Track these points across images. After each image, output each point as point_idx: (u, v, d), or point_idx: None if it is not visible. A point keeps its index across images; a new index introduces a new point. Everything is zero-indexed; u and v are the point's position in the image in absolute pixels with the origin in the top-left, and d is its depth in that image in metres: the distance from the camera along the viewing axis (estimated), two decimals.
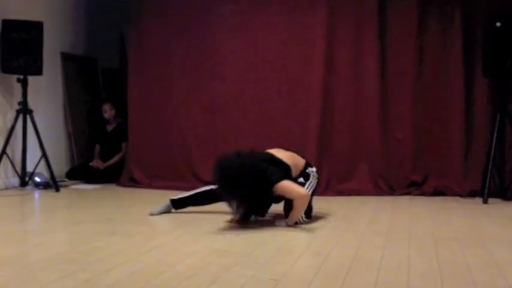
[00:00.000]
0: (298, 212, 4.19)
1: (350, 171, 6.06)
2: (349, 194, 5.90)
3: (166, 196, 4.79)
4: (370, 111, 6.06)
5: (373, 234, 3.99)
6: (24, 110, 5.83)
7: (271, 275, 2.92)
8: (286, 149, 4.59)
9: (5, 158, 5.69)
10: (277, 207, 4.46)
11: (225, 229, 4.11)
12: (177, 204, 4.63)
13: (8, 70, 5.80)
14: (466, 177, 5.93)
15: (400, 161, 6.05)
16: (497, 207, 5.28)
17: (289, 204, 4.23)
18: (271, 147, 6.11)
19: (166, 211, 4.60)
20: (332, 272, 2.99)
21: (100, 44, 7.40)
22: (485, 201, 5.45)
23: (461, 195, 5.80)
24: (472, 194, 5.79)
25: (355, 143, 6.08)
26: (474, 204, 5.44)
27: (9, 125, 5.84)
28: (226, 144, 6.24)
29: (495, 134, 5.59)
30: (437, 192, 5.90)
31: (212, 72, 6.31)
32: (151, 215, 4.52)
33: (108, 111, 6.93)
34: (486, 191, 5.48)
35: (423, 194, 5.91)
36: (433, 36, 6.02)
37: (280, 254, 3.38)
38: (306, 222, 4.25)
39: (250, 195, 4.04)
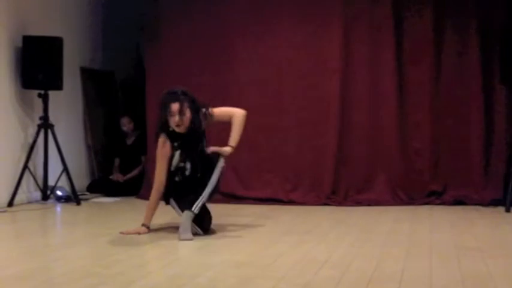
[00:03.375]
0: (240, 129, 4.37)
1: (369, 182, 6.03)
2: (368, 205, 5.87)
3: None
4: (388, 121, 6.04)
5: (393, 245, 3.96)
6: (45, 125, 5.89)
7: (291, 286, 2.91)
8: None
9: (27, 172, 5.75)
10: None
11: (244, 241, 4.11)
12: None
13: (29, 86, 5.87)
14: (487, 186, 5.88)
15: (419, 170, 6.01)
16: None
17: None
18: (288, 157, 6.17)
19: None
20: (353, 283, 2.98)
21: (117, 56, 7.47)
22: (507, 210, 5.39)
23: (482, 204, 5.75)
24: (494, 203, 5.73)
25: (373, 153, 6.06)
26: (496, 213, 5.39)
27: (30, 140, 5.91)
28: (243, 154, 6.23)
29: None
30: (458, 202, 5.85)
31: (230, 82, 6.33)
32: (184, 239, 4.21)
33: (126, 124, 6.97)
34: (508, 199, 5.42)
35: (443, 203, 5.86)
36: (450, 44, 6.00)
37: (300, 266, 3.37)
38: (203, 235, 4.20)
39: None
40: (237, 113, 4.44)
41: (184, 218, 4.12)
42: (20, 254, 3.78)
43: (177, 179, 4.32)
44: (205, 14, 6.39)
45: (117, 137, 7.15)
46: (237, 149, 4.39)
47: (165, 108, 4.28)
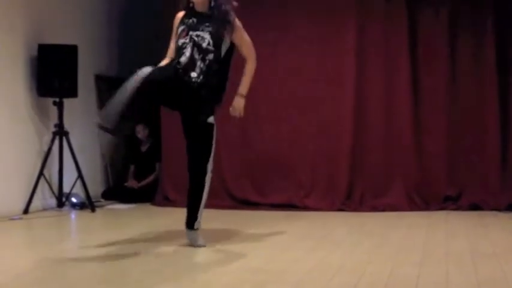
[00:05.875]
0: (251, 80, 4.10)
1: (384, 187, 6.00)
2: (384, 210, 5.84)
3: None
4: (403, 126, 6.02)
5: (408, 250, 3.94)
6: (60, 132, 5.93)
7: None
8: None
9: (42, 179, 5.79)
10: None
11: (259, 247, 4.10)
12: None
13: (44, 93, 5.92)
14: (504, 191, 5.83)
15: (435, 175, 5.97)
16: None
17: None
18: (303, 162, 6.15)
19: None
20: None
21: (133, 64, 7.48)
22: None
23: (498, 209, 5.70)
24: (510, 208, 5.68)
25: (388, 159, 6.03)
26: None
27: (46, 147, 5.95)
28: (259, 161, 6.25)
29: None
30: (474, 207, 5.81)
31: None
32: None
33: (141, 131, 7.01)
34: None
35: (459, 208, 5.82)
36: (466, 47, 5.98)
37: (315, 271, 3.36)
38: None
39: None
40: (252, 61, 4.14)
41: (190, 236, 4.09)
42: (36, 261, 3.80)
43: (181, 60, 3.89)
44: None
45: (131, 144, 7.18)
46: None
47: None
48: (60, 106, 5.92)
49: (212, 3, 3.99)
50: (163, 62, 4.10)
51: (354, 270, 3.33)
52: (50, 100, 5.96)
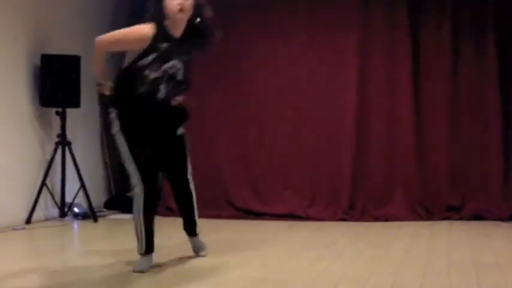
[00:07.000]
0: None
1: (386, 197, 6.00)
2: (386, 220, 5.83)
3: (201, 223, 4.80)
4: (405, 136, 6.02)
5: (411, 261, 3.93)
6: (63, 142, 5.94)
7: None
8: None
9: (44, 189, 5.80)
10: None
11: (261, 257, 4.10)
12: None
13: (47, 103, 5.94)
14: (507, 200, 5.82)
15: (437, 185, 5.97)
16: None
17: None
18: (305, 172, 6.16)
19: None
20: None
21: None
22: None
23: (501, 219, 5.69)
24: None
25: (390, 168, 6.03)
26: None
27: (48, 157, 5.96)
28: (259, 171, 6.25)
29: None
30: (477, 217, 5.79)
31: (243, 100, 6.35)
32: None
33: None
34: None
35: (462, 218, 5.80)
36: (468, 58, 5.98)
37: (317, 282, 3.35)
38: None
39: None
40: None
41: (194, 242, 4.13)
42: (38, 271, 3.80)
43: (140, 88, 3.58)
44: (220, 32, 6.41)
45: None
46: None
47: None
48: (62, 116, 5.93)
49: (197, 20, 3.63)
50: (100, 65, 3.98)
51: (356, 281, 3.32)
52: (53, 110, 5.98)
